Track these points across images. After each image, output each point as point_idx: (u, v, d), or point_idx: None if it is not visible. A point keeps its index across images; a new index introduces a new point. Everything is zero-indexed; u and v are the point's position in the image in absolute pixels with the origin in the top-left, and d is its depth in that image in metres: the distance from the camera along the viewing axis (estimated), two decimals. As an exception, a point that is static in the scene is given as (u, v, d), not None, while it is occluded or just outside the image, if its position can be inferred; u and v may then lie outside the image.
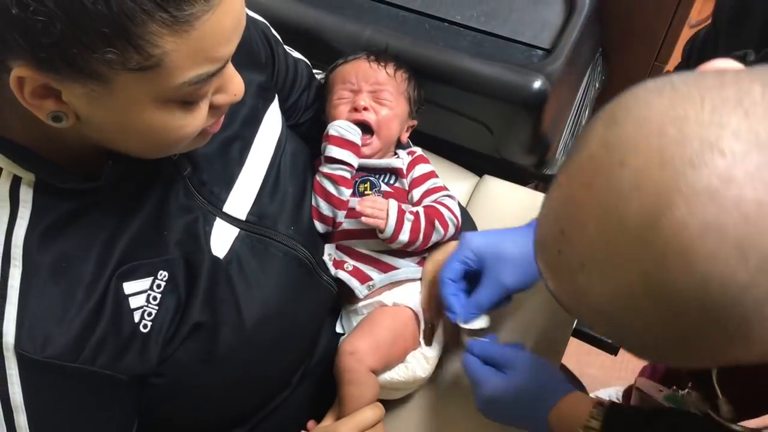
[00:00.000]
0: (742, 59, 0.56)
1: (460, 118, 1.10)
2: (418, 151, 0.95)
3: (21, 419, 0.60)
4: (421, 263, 0.89)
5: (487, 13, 1.15)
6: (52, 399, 0.61)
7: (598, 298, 0.40)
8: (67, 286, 0.62)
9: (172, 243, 0.70)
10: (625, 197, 0.37)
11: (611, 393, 1.63)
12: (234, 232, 0.75)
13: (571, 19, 1.13)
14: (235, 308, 0.72)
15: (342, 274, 0.86)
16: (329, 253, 0.88)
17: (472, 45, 1.10)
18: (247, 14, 0.61)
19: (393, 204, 0.84)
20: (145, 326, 0.66)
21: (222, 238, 0.74)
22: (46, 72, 0.51)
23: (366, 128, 0.90)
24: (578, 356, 1.50)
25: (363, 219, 0.84)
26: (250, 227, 0.77)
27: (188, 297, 0.69)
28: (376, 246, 0.87)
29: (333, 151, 0.86)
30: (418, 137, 1.02)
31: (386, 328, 0.84)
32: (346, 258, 0.87)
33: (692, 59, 0.82)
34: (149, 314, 0.66)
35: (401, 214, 0.84)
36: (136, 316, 0.66)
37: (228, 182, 0.77)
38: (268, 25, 0.89)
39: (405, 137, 0.97)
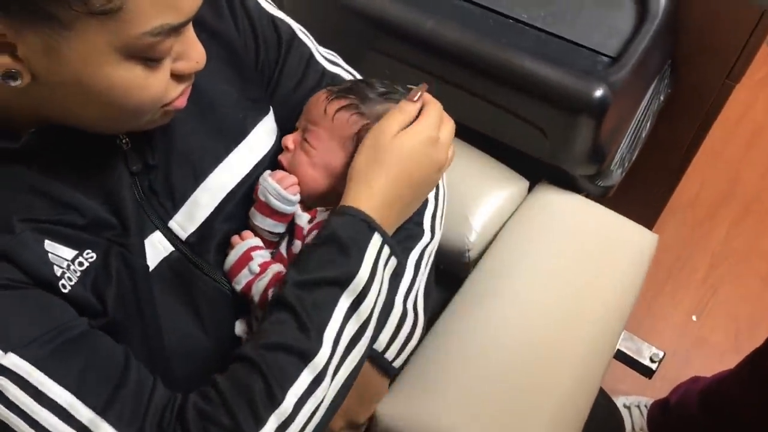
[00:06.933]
0: None
1: (515, 120, 1.07)
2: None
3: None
4: None
5: (555, 14, 1.11)
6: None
7: None
8: None
9: (106, 230, 0.65)
10: None
11: (641, 401, 1.60)
12: (168, 249, 0.71)
13: (642, 27, 1.09)
14: (153, 328, 0.68)
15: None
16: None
17: (536, 45, 1.07)
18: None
19: (241, 246, 0.75)
20: (64, 286, 0.62)
21: (153, 251, 0.69)
22: (2, 19, 0.50)
23: None
24: (611, 375, 1.46)
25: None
26: (186, 249, 0.72)
27: (107, 291, 0.65)
28: None
29: (257, 218, 0.76)
30: (468, 133, 0.99)
31: None
32: None
33: None
34: (69, 279, 0.62)
35: (245, 259, 0.74)
36: (57, 271, 0.62)
37: (181, 198, 0.71)
38: None
39: None
